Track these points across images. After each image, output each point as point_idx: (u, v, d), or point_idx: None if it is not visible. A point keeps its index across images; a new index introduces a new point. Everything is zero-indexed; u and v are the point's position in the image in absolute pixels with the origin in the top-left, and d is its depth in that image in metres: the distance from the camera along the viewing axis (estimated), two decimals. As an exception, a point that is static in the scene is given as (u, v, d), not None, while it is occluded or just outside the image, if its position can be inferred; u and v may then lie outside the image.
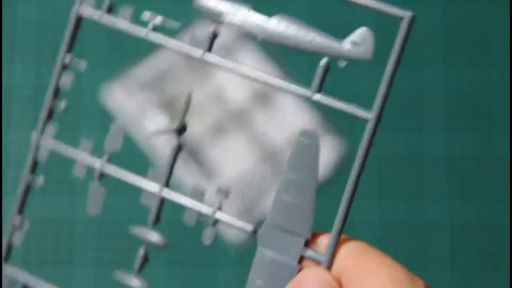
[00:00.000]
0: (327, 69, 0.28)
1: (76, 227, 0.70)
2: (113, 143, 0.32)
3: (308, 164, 0.28)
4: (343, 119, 0.72)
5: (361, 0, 0.28)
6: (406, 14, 0.27)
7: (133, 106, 0.73)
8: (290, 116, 0.72)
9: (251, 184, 0.70)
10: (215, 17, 0.30)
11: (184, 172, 0.72)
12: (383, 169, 0.72)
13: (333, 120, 0.72)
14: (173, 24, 0.31)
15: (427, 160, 0.72)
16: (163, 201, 0.32)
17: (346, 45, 0.28)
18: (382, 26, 0.74)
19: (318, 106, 0.71)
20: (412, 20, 0.27)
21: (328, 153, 0.72)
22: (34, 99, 0.72)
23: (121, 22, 0.31)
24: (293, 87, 0.29)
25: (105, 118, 0.72)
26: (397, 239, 0.70)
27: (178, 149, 0.31)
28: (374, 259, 0.27)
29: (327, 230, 0.28)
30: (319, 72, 0.28)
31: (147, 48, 0.73)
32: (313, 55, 0.28)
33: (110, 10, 0.32)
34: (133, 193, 0.71)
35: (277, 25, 0.29)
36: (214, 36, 0.30)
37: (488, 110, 0.73)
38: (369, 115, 0.28)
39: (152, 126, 0.72)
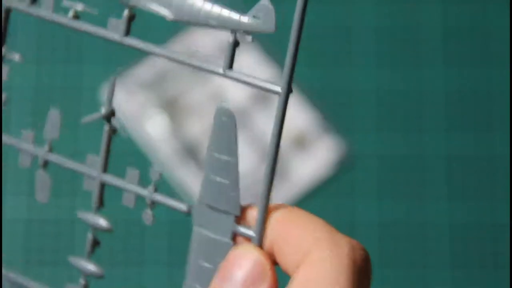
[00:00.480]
0: (236, 44, 0.28)
1: (76, 227, 0.69)
2: (51, 131, 0.33)
3: (228, 143, 0.28)
4: (342, 119, 0.72)
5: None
6: (279, 90, 0.27)
7: (133, 106, 0.73)
8: (289, 116, 0.72)
9: (251, 184, 0.70)
10: (126, 1, 0.30)
11: (184, 172, 0.72)
12: (383, 169, 0.72)
13: (332, 120, 0.72)
14: (93, 11, 0.31)
15: (427, 160, 0.72)
16: (103, 186, 0.32)
17: (248, 19, 0.27)
18: (381, 27, 0.75)
19: (317, 106, 0.73)
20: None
21: (327, 152, 0.72)
22: (34, 99, 0.73)
23: (44, 12, 0.32)
24: (205, 65, 0.28)
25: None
26: (397, 239, 0.70)
27: (110, 133, 0.32)
28: (300, 223, 0.27)
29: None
30: (229, 48, 0.28)
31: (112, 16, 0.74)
32: (220, 30, 0.28)
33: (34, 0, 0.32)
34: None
35: (185, 3, 0.28)
36: (130, 19, 0.30)
37: (488, 110, 0.73)
38: (278, 89, 0.27)
39: (151, 128, 0.72)
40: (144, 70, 0.73)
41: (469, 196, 0.71)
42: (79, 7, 0.31)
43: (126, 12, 0.30)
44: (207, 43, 0.74)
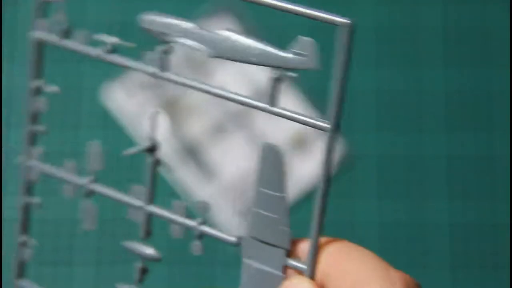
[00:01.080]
0: (279, 80, 0.28)
1: (76, 227, 0.69)
2: (94, 162, 0.33)
3: (276, 179, 0.28)
4: (342, 119, 0.73)
5: (298, 8, 0.27)
6: (345, 22, 0.27)
7: (133, 106, 0.73)
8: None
9: (252, 184, 0.70)
10: (162, 36, 0.30)
11: (184, 172, 0.72)
12: (383, 169, 0.72)
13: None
14: (128, 44, 0.31)
15: (427, 160, 0.72)
16: (150, 216, 0.32)
17: (291, 56, 0.27)
18: (381, 27, 0.75)
19: (317, 106, 0.72)
20: (352, 27, 0.27)
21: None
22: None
23: (78, 46, 0.32)
24: (250, 101, 0.29)
25: (105, 118, 0.72)
26: (397, 239, 0.70)
27: (155, 164, 0.32)
28: (353, 257, 0.27)
29: (328, 229, 0.28)
30: (272, 84, 0.28)
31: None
32: (260, 65, 0.28)
33: (67, 34, 0.32)
34: (159, 196, 0.70)
35: (226, 40, 0.28)
36: (166, 54, 0.30)
37: (488, 110, 0.73)
38: (327, 125, 0.27)
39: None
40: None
41: (469, 196, 0.71)
42: (114, 40, 0.31)
43: (162, 47, 0.30)
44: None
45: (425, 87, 0.74)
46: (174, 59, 0.30)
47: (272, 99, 0.28)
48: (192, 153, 0.72)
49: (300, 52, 0.27)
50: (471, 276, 0.69)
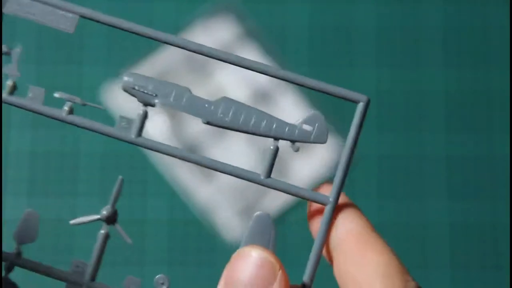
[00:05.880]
0: (276, 153, 0.28)
1: (76, 227, 0.69)
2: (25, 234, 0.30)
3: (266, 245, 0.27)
4: (342, 119, 0.71)
5: (318, 85, 0.27)
6: (363, 98, 0.27)
7: (133, 106, 0.73)
8: (290, 115, 0.71)
9: (252, 184, 0.70)
10: (146, 99, 0.28)
11: (184, 172, 0.71)
12: (383, 169, 0.71)
13: (332, 119, 0.71)
14: (97, 106, 0.29)
15: (427, 160, 0.72)
16: None
17: (299, 130, 0.27)
18: (381, 27, 0.74)
19: (317, 106, 0.72)
20: (368, 104, 0.27)
21: (327, 152, 0.71)
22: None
23: (34, 104, 0.29)
24: (244, 174, 0.28)
25: (106, 118, 0.70)
26: (397, 239, 0.69)
27: (106, 238, 0.29)
28: (375, 247, 0.27)
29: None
30: (268, 156, 0.28)
31: (147, 48, 0.72)
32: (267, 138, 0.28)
33: (14, 90, 0.29)
34: (133, 193, 0.68)
35: (223, 112, 0.28)
36: (144, 118, 0.28)
37: (488, 110, 0.73)
38: (328, 200, 0.27)
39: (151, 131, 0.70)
40: (144, 70, 0.72)
41: (469, 196, 0.71)
42: (77, 100, 0.28)
43: (140, 112, 0.28)
44: (177, 62, 0.73)
45: (425, 87, 0.73)
46: (173, 59, 0.29)
47: (267, 172, 0.28)
48: (192, 152, 0.71)
49: (308, 125, 0.27)
50: (471, 276, 0.69)
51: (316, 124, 0.27)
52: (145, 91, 0.28)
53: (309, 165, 0.71)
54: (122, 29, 0.28)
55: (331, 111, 0.71)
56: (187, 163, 0.68)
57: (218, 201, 0.70)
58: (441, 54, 0.73)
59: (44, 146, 0.70)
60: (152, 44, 0.64)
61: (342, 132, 0.71)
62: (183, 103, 0.27)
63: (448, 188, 0.71)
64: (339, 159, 0.27)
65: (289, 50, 0.73)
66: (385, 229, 0.65)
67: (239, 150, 0.71)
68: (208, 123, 0.28)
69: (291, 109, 0.71)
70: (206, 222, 0.69)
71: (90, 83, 0.72)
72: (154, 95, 0.28)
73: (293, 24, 0.73)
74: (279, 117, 0.29)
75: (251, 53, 0.73)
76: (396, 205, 0.71)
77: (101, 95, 0.73)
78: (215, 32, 0.73)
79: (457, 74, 0.73)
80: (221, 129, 0.26)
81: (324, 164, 0.71)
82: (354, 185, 0.70)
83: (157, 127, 0.72)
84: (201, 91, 0.72)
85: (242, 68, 0.27)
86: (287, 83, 0.71)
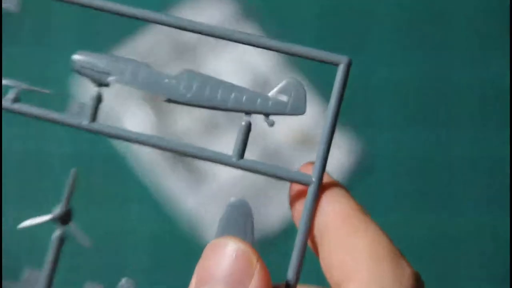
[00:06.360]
0: (248, 129, 0.28)
1: (38, 231, 0.73)
2: None
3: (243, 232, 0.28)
4: (357, 114, 0.72)
5: (295, 49, 0.28)
6: (343, 60, 0.28)
7: (109, 98, 0.71)
8: None
9: (249, 187, 0.70)
10: (98, 78, 0.28)
11: (171, 176, 0.71)
12: (404, 173, 0.71)
13: (345, 114, 0.70)
14: (43, 90, 0.29)
15: (456, 162, 0.71)
16: None
17: (273, 101, 0.28)
18: (402, 19, 0.74)
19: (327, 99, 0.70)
20: (349, 65, 0.28)
21: (339, 154, 0.71)
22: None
23: None
24: (215, 156, 0.28)
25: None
26: (423, 258, 0.68)
27: (61, 242, 0.29)
28: (364, 229, 0.26)
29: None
30: (240, 134, 0.28)
31: (125, 31, 0.73)
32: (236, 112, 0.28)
33: None
34: (109, 201, 0.71)
35: (186, 87, 0.28)
36: (98, 102, 0.29)
37: (488, 110, 0.73)
38: (310, 179, 0.28)
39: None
40: (123, 54, 0.73)
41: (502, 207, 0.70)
42: (23, 86, 0.29)
43: (94, 94, 0.29)
44: (161, 47, 0.74)
45: (452, 79, 0.73)
46: (156, 44, 0.33)
47: (239, 153, 0.28)
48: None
49: (285, 95, 0.28)
50: (470, 276, 0.69)
51: (292, 93, 0.27)
52: (97, 69, 0.28)
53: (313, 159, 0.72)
54: (92, 8, 0.29)
55: (344, 104, 0.70)
56: (174, 165, 0.68)
57: (208, 210, 0.70)
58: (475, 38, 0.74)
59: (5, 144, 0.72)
60: (131, 25, 0.71)
61: (358, 129, 0.71)
62: (140, 79, 0.28)
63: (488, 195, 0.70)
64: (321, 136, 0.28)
65: (294, 34, 0.73)
66: (409, 244, 0.67)
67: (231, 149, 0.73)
68: (169, 100, 0.28)
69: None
70: (194, 235, 0.70)
71: (59, 70, 0.69)
72: (107, 73, 0.28)
73: (296, 5, 0.75)
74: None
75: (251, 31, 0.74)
76: (422, 216, 0.70)
77: (72, 85, 0.72)
78: (206, 11, 0.74)
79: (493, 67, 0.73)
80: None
81: (334, 168, 0.70)
82: (371, 193, 0.70)
83: (140, 124, 0.72)
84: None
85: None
86: (289, 69, 0.71)
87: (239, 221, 0.27)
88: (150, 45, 0.73)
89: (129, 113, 0.72)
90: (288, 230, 0.70)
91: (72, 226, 0.29)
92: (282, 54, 0.75)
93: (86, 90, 0.71)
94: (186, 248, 0.70)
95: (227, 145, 0.72)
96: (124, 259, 0.70)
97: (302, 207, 0.28)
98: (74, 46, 0.80)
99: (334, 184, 0.28)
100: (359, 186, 0.70)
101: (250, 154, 0.71)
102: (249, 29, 0.74)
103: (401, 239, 0.69)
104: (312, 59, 0.27)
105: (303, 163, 0.28)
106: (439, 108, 0.73)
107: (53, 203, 0.34)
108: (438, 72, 0.74)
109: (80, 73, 0.28)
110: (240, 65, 0.73)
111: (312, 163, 0.28)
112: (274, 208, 0.69)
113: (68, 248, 0.29)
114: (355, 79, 0.74)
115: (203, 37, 0.29)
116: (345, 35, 0.74)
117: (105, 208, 0.70)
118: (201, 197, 0.71)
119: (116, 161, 0.71)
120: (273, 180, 0.30)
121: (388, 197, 0.71)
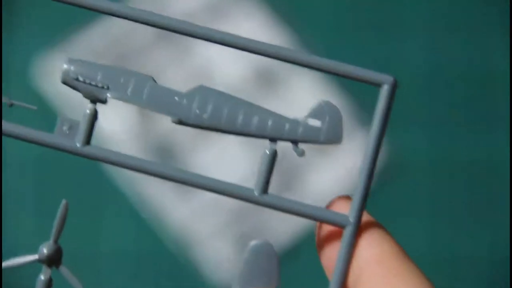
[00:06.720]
0: (274, 159, 0.26)
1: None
2: None
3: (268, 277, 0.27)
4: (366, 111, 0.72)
5: (338, 67, 0.26)
6: (387, 80, 0.26)
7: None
8: (305, 103, 0.71)
9: (249, 185, 0.71)
10: (94, 93, 0.26)
11: (155, 187, 0.70)
12: (437, 179, 0.70)
13: (367, 110, 0.71)
14: (29, 106, 0.27)
15: (493, 167, 0.71)
16: None
17: (304, 127, 0.26)
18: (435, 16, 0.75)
19: (348, 93, 0.71)
20: (394, 86, 0.26)
21: (357, 157, 0.70)
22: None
23: None
24: (236, 192, 0.27)
25: (43, 112, 0.69)
26: (453, 275, 0.68)
27: (48, 286, 0.28)
28: (407, 278, 0.25)
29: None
30: (264, 164, 0.26)
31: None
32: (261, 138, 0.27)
33: None
34: (83, 217, 0.71)
35: (200, 107, 0.26)
36: (92, 120, 0.27)
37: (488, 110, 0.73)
38: (346, 221, 0.26)
39: None
40: (96, 38, 0.72)
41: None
42: (5, 100, 0.27)
43: (87, 111, 0.27)
44: (138, 26, 0.74)
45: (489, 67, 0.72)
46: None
47: (262, 187, 0.26)
48: (168, 156, 0.72)
49: (315, 121, 0.26)
50: (471, 276, 0.70)
51: (327, 118, 0.26)
52: (92, 82, 0.26)
53: (332, 173, 0.72)
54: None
55: (367, 99, 0.68)
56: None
57: (201, 225, 0.71)
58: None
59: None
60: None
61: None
62: (145, 96, 0.26)
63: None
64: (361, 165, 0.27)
65: (310, 18, 0.74)
66: (439, 260, 0.70)
67: (231, 153, 0.72)
68: (180, 122, 0.26)
69: (307, 94, 0.72)
70: (183, 255, 0.70)
71: (20, 57, 0.71)
72: (104, 87, 0.26)
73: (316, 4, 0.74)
74: (290, 106, 0.31)
75: (252, 20, 0.73)
76: (454, 228, 0.70)
77: (34, 79, 0.72)
78: (237, 19, 0.73)
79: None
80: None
81: (352, 173, 0.70)
82: (395, 202, 0.70)
83: (120, 122, 0.71)
84: (179, 70, 0.73)
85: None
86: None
87: (262, 266, 0.27)
88: (126, 27, 0.73)
89: (108, 112, 0.69)
90: (296, 246, 0.69)
91: (62, 269, 0.28)
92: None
93: (55, 88, 0.71)
94: (173, 269, 0.70)
95: (216, 145, 0.70)
96: (100, 281, 0.70)
97: (333, 252, 0.27)
98: (37, 28, 0.77)
99: (372, 224, 0.27)
100: (378, 193, 0.69)
101: (245, 155, 0.69)
102: (282, 35, 0.72)
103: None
104: (345, 77, 0.26)
105: (335, 197, 0.28)
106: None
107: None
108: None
109: (70, 85, 0.26)
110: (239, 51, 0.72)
111: (346, 197, 0.27)
112: (277, 223, 0.69)
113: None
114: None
115: (189, 17, 0.25)
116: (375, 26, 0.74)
117: (77, 221, 0.68)
118: (190, 209, 0.71)
119: (89, 165, 0.65)
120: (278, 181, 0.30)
121: (413, 203, 0.71)
